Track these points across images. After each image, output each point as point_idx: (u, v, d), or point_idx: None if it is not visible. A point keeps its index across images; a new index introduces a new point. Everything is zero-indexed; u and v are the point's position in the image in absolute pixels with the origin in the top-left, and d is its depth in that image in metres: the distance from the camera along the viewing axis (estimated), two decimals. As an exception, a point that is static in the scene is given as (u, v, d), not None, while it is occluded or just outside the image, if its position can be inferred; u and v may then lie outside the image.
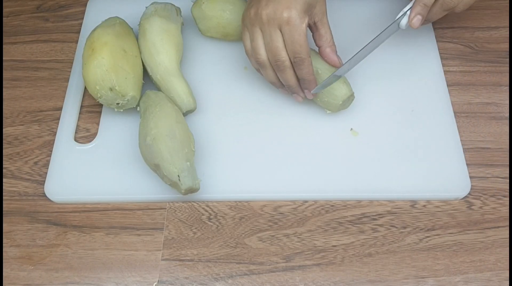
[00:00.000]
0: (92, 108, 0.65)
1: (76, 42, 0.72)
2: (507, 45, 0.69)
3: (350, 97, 0.61)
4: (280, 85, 0.62)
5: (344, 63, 0.60)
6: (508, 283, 0.53)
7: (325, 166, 0.59)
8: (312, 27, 0.60)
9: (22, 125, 0.65)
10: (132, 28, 0.66)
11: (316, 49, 0.62)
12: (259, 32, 0.57)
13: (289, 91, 0.62)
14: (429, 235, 0.56)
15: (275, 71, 0.59)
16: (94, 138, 0.62)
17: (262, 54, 0.58)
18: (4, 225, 0.57)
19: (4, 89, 0.68)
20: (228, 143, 0.61)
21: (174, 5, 0.68)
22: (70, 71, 0.68)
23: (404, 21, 0.61)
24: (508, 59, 0.68)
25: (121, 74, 0.59)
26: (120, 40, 0.61)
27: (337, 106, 0.60)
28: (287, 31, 0.55)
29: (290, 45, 0.56)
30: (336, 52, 0.61)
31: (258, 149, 0.61)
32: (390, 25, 0.61)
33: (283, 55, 0.57)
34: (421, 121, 0.62)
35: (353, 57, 0.60)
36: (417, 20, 0.60)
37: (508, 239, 0.55)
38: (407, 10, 0.61)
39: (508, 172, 0.60)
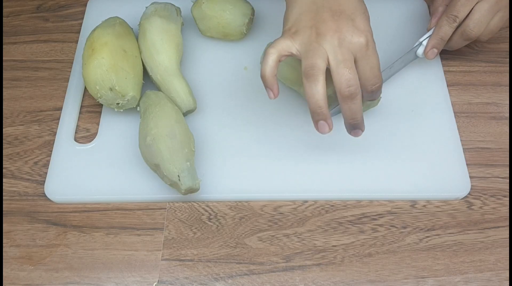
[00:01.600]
0: (92, 108, 0.65)
1: (76, 42, 0.72)
2: (507, 45, 0.69)
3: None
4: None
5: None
6: (508, 283, 0.53)
7: (325, 166, 0.59)
8: None
9: (22, 125, 0.65)
10: (132, 28, 0.66)
11: None
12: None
13: (353, 124, 0.54)
14: (429, 235, 0.56)
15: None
16: (94, 138, 0.63)
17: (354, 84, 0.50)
18: (4, 225, 0.57)
19: (4, 89, 0.68)
20: (228, 143, 0.61)
21: (174, 5, 0.68)
22: (70, 71, 0.68)
23: (420, 51, 0.63)
24: (508, 59, 0.68)
25: (121, 74, 0.59)
26: (120, 40, 0.61)
27: None
28: (365, 56, 0.50)
29: (368, 72, 0.51)
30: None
31: (258, 149, 0.61)
32: (406, 54, 0.63)
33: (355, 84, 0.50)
34: (421, 121, 0.62)
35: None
36: (432, 53, 0.61)
37: (508, 239, 0.55)
38: (423, 40, 0.63)
39: (508, 172, 0.60)
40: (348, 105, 0.51)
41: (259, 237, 0.56)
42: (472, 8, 0.59)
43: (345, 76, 0.50)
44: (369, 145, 0.61)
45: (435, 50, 0.62)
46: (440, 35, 0.60)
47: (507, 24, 0.61)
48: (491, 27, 0.59)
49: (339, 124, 0.62)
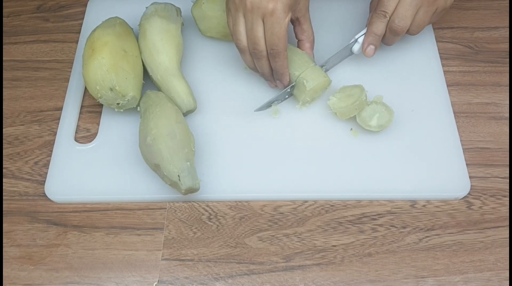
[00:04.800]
0: (92, 108, 0.66)
1: (76, 42, 0.72)
2: (507, 45, 0.69)
3: (316, 89, 0.62)
4: (256, 71, 0.63)
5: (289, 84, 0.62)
6: (508, 283, 0.53)
7: (325, 166, 0.59)
8: (294, 21, 0.62)
9: (23, 125, 0.65)
10: (132, 28, 0.66)
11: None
12: (242, 18, 0.58)
13: (263, 77, 0.63)
14: (429, 235, 0.56)
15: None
16: (94, 138, 0.63)
17: (243, 40, 0.59)
18: (4, 225, 0.58)
19: (4, 89, 0.68)
20: (228, 143, 0.61)
21: (174, 5, 0.68)
22: (70, 71, 0.69)
23: (356, 47, 0.64)
24: (508, 59, 0.68)
25: (121, 74, 0.59)
26: (120, 40, 0.61)
27: (305, 100, 0.62)
28: (269, 22, 0.56)
29: (269, 36, 0.57)
30: (313, 47, 0.64)
31: (258, 149, 0.61)
32: (341, 50, 0.64)
33: (261, 45, 0.58)
34: (421, 121, 0.62)
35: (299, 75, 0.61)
36: (370, 49, 0.63)
37: (508, 239, 0.55)
38: (358, 37, 0.64)
39: (508, 172, 0.60)
40: (256, 62, 0.60)
41: (259, 237, 0.56)
42: (397, 3, 0.60)
43: (237, 35, 0.59)
44: (369, 145, 0.61)
45: (372, 47, 0.63)
46: (373, 31, 0.62)
47: (435, 20, 0.63)
48: (417, 22, 0.61)
49: (339, 124, 0.62)
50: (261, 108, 0.62)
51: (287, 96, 0.64)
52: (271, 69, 0.61)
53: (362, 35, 0.63)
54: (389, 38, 0.63)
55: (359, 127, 0.61)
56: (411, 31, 0.62)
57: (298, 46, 0.64)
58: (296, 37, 0.64)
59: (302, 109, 0.63)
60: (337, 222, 0.57)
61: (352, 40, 0.64)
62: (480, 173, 0.60)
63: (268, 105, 0.63)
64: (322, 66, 0.64)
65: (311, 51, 0.64)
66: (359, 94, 0.60)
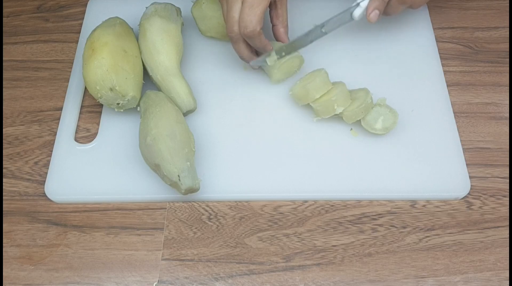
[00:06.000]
0: (92, 108, 0.66)
1: (76, 42, 0.72)
2: (507, 45, 0.70)
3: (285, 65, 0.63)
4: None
5: (289, 41, 0.62)
6: (508, 283, 0.53)
7: (325, 166, 0.59)
8: (271, 4, 0.62)
9: (23, 125, 0.65)
10: (132, 28, 0.66)
11: None
12: (225, 4, 0.59)
13: (243, 60, 0.63)
14: (429, 235, 0.56)
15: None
16: (94, 138, 0.63)
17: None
18: (4, 225, 0.58)
19: (4, 89, 0.68)
20: (228, 143, 0.61)
21: (174, 5, 0.68)
22: (70, 71, 0.69)
23: (357, 13, 0.61)
24: (508, 59, 0.68)
25: (122, 74, 0.59)
26: (120, 40, 0.61)
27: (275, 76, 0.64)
28: (248, 1, 0.56)
29: (244, 15, 0.56)
30: (288, 33, 0.64)
31: (258, 149, 0.61)
32: (341, 13, 0.61)
33: (236, 28, 0.58)
34: (421, 121, 0.62)
35: (297, 38, 0.61)
36: (374, 14, 0.60)
37: (508, 239, 0.55)
38: (360, 1, 0.61)
39: (508, 172, 0.60)
40: (234, 46, 0.61)
41: (259, 237, 0.56)
42: None
43: (227, 21, 0.58)
44: (368, 145, 0.61)
45: (377, 12, 0.60)
46: None
47: None
48: None
49: (339, 124, 0.62)
50: (257, 62, 0.63)
51: (284, 53, 0.62)
52: (250, 52, 0.61)
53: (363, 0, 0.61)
54: (394, 6, 0.61)
55: (361, 128, 0.61)
56: (414, 5, 0.61)
57: (273, 32, 0.64)
58: (271, 22, 0.64)
59: (302, 109, 0.63)
60: (337, 222, 0.57)
61: (354, 3, 0.61)
62: (480, 173, 0.60)
63: (263, 60, 0.62)
64: (321, 27, 0.62)
65: (285, 36, 0.64)
66: (364, 97, 0.59)
